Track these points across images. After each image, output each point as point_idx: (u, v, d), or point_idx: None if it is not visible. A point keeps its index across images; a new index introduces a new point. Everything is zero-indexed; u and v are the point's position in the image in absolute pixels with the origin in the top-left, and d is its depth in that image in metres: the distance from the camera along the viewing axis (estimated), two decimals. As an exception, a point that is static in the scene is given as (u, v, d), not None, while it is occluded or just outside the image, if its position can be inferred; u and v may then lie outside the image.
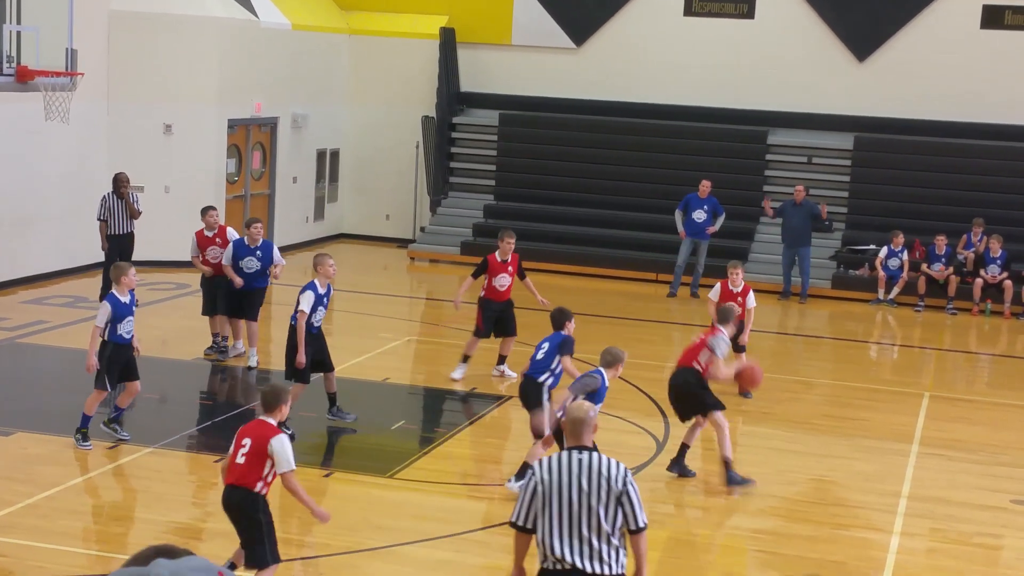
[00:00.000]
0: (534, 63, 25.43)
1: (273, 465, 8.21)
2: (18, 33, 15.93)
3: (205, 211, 15.69)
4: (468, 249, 23.33)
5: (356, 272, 22.21)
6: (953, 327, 20.54)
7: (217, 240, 15.30)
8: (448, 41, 25.27)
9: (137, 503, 10.74)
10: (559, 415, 10.28)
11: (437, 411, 14.52)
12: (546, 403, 11.28)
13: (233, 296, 15.06)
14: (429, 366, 16.28)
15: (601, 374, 10.49)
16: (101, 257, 18.15)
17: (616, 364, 10.53)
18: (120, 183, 17.84)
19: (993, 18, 23.40)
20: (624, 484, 6.41)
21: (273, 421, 8.40)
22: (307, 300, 12.50)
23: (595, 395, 10.35)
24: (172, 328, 16.88)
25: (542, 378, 11.41)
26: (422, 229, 25.00)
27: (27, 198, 19.00)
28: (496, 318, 14.99)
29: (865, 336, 20.00)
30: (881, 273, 21.68)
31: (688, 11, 24.70)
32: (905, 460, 12.90)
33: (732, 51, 24.47)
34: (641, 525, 6.46)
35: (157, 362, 14.44)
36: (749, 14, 24.44)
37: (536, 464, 6.55)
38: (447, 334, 17.57)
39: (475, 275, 15.21)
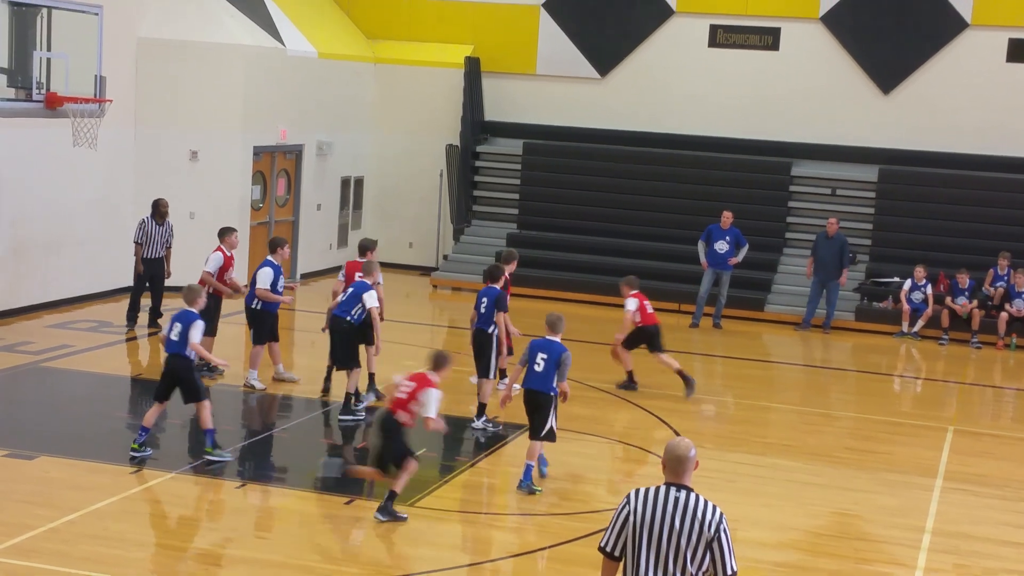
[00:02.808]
0: (558, 93, 25.50)
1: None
2: (48, 60, 16.08)
3: (230, 232, 15.98)
4: (491, 278, 23.32)
5: (379, 299, 22.22)
6: (978, 361, 20.42)
7: (233, 263, 15.80)
8: (473, 70, 25.38)
9: (159, 529, 10.75)
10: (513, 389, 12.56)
11: (458, 440, 14.49)
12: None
13: (266, 319, 15.29)
14: (450, 394, 16.22)
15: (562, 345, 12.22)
16: (127, 282, 18.26)
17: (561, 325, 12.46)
18: (160, 208, 18.09)
19: (1019, 52, 23.36)
20: (717, 530, 6.30)
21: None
22: (373, 298, 14.35)
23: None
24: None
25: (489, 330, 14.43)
26: (445, 257, 25.04)
27: (54, 223, 19.13)
28: None
29: (889, 369, 19.90)
30: (905, 306, 21.60)
31: (712, 42, 24.75)
32: (929, 495, 12.81)
33: (756, 83, 24.51)
34: (729, 572, 6.34)
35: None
36: (774, 46, 24.47)
37: (632, 493, 6.48)
38: (469, 362, 17.55)
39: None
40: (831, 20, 24.14)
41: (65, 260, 19.39)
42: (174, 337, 12.32)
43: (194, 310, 12.40)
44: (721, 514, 6.36)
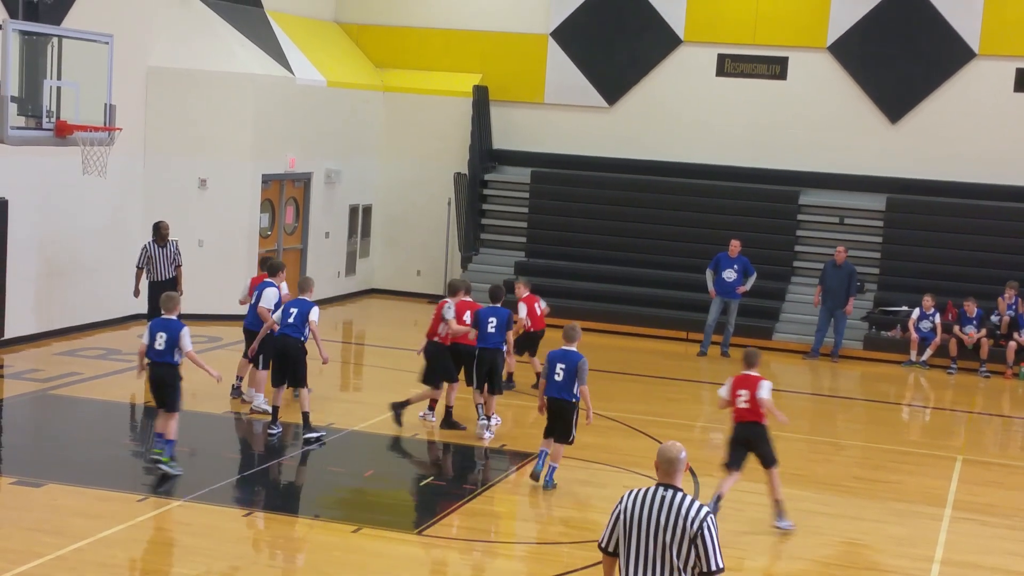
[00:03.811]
0: (566, 121, 25.58)
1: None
2: (58, 88, 16.15)
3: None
4: (499, 306, 23.34)
5: (386, 327, 22.25)
6: (986, 390, 20.37)
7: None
8: (481, 99, 25.47)
9: (166, 556, 10.74)
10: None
11: (466, 467, 14.48)
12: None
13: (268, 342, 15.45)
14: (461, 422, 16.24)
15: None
16: (135, 309, 18.28)
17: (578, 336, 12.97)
18: (161, 231, 18.18)
19: (1026, 81, 23.42)
20: (700, 526, 6.51)
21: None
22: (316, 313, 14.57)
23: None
24: (203, 381, 16.87)
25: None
26: (453, 285, 25.04)
27: (63, 250, 19.19)
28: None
29: (897, 398, 19.85)
30: (913, 335, 21.57)
31: (720, 71, 24.83)
32: (938, 524, 12.77)
33: (764, 111, 24.56)
34: (714, 568, 6.53)
35: (187, 415, 14.46)
36: (782, 75, 24.54)
37: (625, 494, 6.75)
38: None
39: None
40: (839, 49, 24.22)
41: (74, 287, 19.44)
42: (159, 347, 12.51)
43: (174, 317, 12.63)
44: (707, 512, 6.57)
